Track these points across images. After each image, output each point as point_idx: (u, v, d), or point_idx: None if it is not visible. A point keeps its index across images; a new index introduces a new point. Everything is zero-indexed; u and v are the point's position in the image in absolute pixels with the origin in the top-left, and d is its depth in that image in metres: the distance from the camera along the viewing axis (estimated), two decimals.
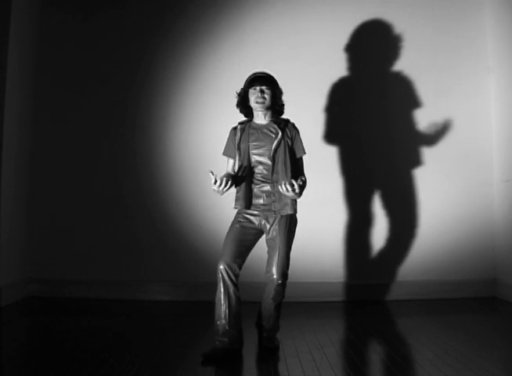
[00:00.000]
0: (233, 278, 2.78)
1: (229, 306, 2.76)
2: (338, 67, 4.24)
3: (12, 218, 4.00)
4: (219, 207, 4.02)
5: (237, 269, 2.80)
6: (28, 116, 4.21)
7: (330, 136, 4.21)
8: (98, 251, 4.16)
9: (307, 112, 4.11)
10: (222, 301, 2.76)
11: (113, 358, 2.72)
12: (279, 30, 4.25)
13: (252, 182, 2.88)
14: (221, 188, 2.70)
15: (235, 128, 2.96)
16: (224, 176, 2.77)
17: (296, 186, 2.68)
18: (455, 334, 3.20)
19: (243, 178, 2.87)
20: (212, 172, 2.72)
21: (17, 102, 4.04)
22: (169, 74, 4.25)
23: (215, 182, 2.70)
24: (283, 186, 2.68)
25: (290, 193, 2.69)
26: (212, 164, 4.10)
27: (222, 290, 2.77)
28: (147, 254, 4.15)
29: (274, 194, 2.84)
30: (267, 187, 2.86)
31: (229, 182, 2.72)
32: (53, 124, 4.25)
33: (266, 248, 2.90)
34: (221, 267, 2.77)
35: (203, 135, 4.17)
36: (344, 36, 4.24)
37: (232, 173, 2.90)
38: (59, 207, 4.20)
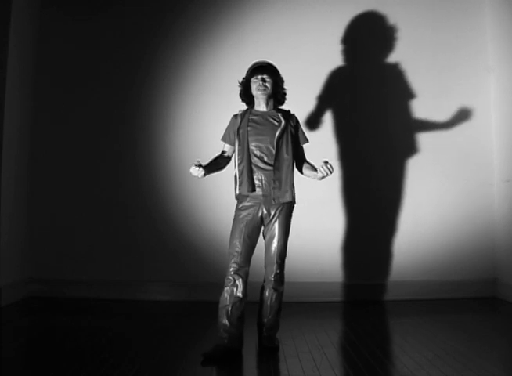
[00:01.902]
0: (244, 280, 2.81)
1: (234, 307, 2.77)
2: (338, 68, 4.24)
3: (12, 218, 4.00)
4: (219, 207, 4.02)
5: (248, 270, 2.84)
6: (28, 116, 4.21)
7: (330, 136, 4.21)
8: (98, 251, 4.16)
9: (307, 112, 4.11)
10: (227, 302, 2.78)
11: (113, 358, 2.72)
12: (279, 30, 4.25)
13: (251, 168, 2.88)
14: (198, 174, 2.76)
15: (235, 115, 2.99)
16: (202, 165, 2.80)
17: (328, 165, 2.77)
18: (455, 334, 3.20)
19: (219, 164, 2.94)
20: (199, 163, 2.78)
21: (17, 102, 4.04)
22: (169, 74, 4.25)
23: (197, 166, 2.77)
24: (324, 168, 2.75)
25: (326, 172, 2.76)
26: None
27: (230, 291, 2.79)
28: (147, 254, 4.15)
29: (274, 181, 2.85)
30: (267, 174, 2.86)
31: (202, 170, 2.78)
32: (53, 124, 4.25)
33: (264, 247, 2.92)
34: (233, 269, 2.80)
35: (203, 135, 4.17)
36: (343, 36, 4.24)
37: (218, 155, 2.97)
38: (59, 208, 4.20)
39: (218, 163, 2.97)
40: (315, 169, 2.90)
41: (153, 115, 4.24)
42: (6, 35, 3.85)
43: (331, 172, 2.78)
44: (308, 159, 3.03)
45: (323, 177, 2.81)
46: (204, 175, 2.79)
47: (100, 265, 4.15)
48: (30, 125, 4.23)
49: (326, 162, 2.76)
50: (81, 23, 4.28)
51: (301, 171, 3.00)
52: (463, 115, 4.18)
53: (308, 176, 2.96)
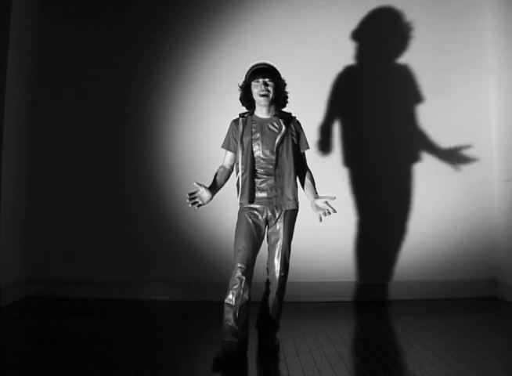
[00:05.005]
0: (250, 281, 2.78)
1: (241, 310, 2.74)
2: (339, 68, 4.24)
3: (12, 218, 4.00)
4: (219, 208, 4.00)
5: (253, 271, 2.81)
6: (28, 116, 4.21)
7: (332, 137, 4.21)
8: (98, 251, 4.16)
9: (308, 112, 4.10)
10: (234, 304, 2.73)
11: (113, 358, 2.72)
12: (279, 30, 4.24)
13: (255, 176, 2.84)
14: (190, 205, 2.73)
15: (236, 121, 2.91)
16: (201, 190, 2.76)
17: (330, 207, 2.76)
18: (455, 334, 3.20)
19: (219, 186, 2.88)
20: (198, 183, 2.74)
21: (17, 102, 4.04)
22: (169, 74, 4.24)
23: (191, 194, 2.73)
24: (323, 212, 2.76)
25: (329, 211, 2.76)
26: (213, 163, 4.12)
27: (236, 293, 2.73)
28: (147, 254, 4.15)
29: (276, 189, 2.82)
30: (270, 181, 2.83)
31: (197, 201, 2.75)
32: (53, 125, 4.25)
33: (266, 249, 2.91)
34: (240, 270, 2.75)
35: (204, 135, 4.16)
36: (344, 37, 4.24)
37: (215, 180, 2.89)
38: (59, 207, 4.20)
39: (222, 182, 2.90)
40: (314, 192, 2.87)
41: (154, 116, 4.23)
42: (6, 36, 3.85)
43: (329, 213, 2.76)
44: (309, 167, 2.96)
45: (321, 218, 2.79)
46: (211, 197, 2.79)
47: (100, 265, 4.15)
48: (30, 126, 4.22)
49: (329, 211, 2.74)
50: (81, 25, 4.28)
51: (301, 183, 2.93)
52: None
53: (306, 196, 2.91)
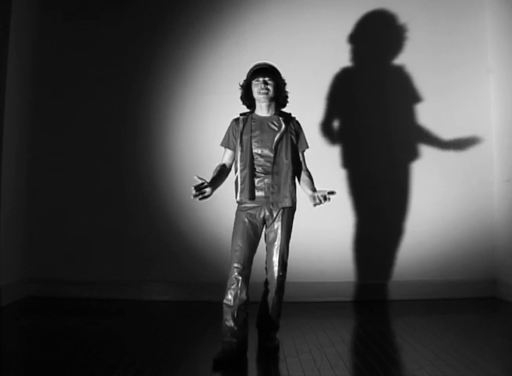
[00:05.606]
0: (247, 280, 2.78)
1: (239, 310, 2.74)
2: (338, 68, 4.24)
3: (12, 218, 4.00)
4: (219, 208, 4.01)
5: (250, 271, 2.81)
6: (28, 116, 4.21)
7: (331, 137, 4.21)
8: (98, 251, 4.16)
9: (308, 112, 4.10)
10: (232, 304, 2.74)
11: (113, 358, 2.72)
12: (279, 30, 4.24)
13: (254, 174, 2.85)
14: (193, 197, 2.65)
15: (237, 119, 2.93)
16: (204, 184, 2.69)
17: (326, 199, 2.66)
18: (455, 334, 3.20)
19: (219, 182, 2.84)
20: (199, 177, 2.69)
21: (17, 102, 4.04)
22: (169, 74, 4.25)
23: (197, 187, 2.65)
24: (317, 199, 2.65)
25: (320, 202, 2.67)
26: (213, 163, 4.12)
27: (234, 293, 2.74)
28: (147, 254, 4.15)
29: (273, 186, 2.83)
30: (267, 180, 2.84)
31: (205, 191, 2.68)
32: (53, 125, 4.25)
33: (265, 248, 2.92)
34: (237, 270, 2.76)
35: (204, 135, 4.16)
36: (343, 37, 4.24)
37: (219, 169, 2.87)
38: (59, 207, 4.20)
39: (221, 178, 2.87)
40: (312, 187, 2.82)
41: (154, 116, 4.24)
42: (6, 36, 3.85)
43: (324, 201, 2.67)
44: (308, 167, 2.95)
45: (316, 204, 2.70)
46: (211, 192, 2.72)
47: (100, 265, 4.15)
48: (30, 126, 4.22)
49: (324, 197, 2.64)
50: (81, 25, 4.28)
51: (299, 180, 2.93)
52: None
53: (304, 191, 2.87)
